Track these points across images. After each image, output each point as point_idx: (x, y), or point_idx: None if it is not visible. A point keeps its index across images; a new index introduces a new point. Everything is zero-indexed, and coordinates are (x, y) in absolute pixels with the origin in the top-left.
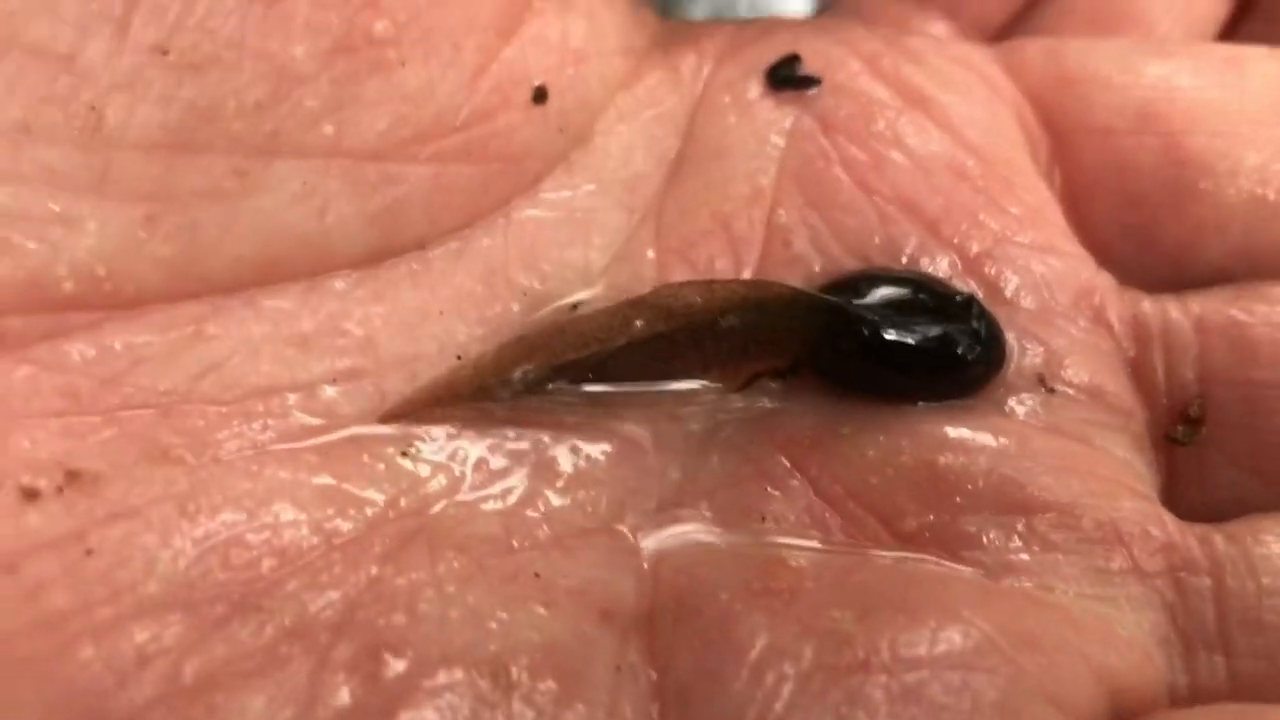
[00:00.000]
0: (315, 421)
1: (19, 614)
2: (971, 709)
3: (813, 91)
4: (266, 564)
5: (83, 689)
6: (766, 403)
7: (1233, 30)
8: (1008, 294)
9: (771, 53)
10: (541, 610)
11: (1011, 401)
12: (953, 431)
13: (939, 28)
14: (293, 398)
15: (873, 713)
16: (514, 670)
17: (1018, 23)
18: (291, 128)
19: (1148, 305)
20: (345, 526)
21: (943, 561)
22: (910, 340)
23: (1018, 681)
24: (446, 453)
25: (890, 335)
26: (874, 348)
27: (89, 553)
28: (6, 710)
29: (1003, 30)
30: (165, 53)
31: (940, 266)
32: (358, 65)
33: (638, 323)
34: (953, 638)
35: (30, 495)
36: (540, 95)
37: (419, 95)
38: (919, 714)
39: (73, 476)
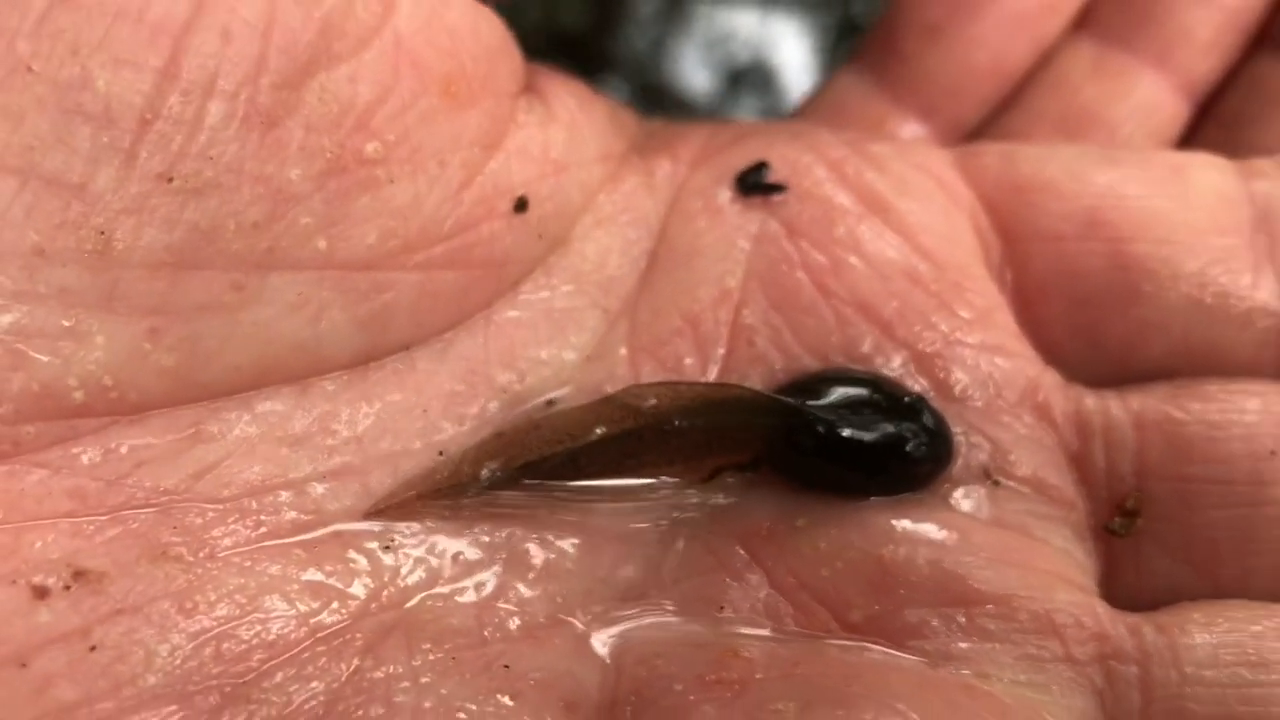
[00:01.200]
0: (305, 518)
1: (29, 707)
2: None
3: (779, 197)
4: (256, 657)
5: None
6: (722, 499)
7: (1192, 135)
8: (956, 392)
9: (742, 159)
10: (509, 702)
11: (958, 494)
12: (899, 525)
13: (912, 128)
14: (284, 495)
15: None
16: None
17: (990, 124)
18: (287, 244)
19: (1090, 401)
20: (329, 620)
21: (888, 650)
22: (862, 439)
23: None
24: (425, 547)
25: (843, 434)
26: (827, 446)
27: (93, 648)
28: None
29: (976, 130)
30: (170, 179)
31: (894, 366)
32: (349, 184)
33: (599, 429)
34: None
35: (40, 593)
36: (521, 205)
37: (407, 209)
38: None
39: (79, 575)
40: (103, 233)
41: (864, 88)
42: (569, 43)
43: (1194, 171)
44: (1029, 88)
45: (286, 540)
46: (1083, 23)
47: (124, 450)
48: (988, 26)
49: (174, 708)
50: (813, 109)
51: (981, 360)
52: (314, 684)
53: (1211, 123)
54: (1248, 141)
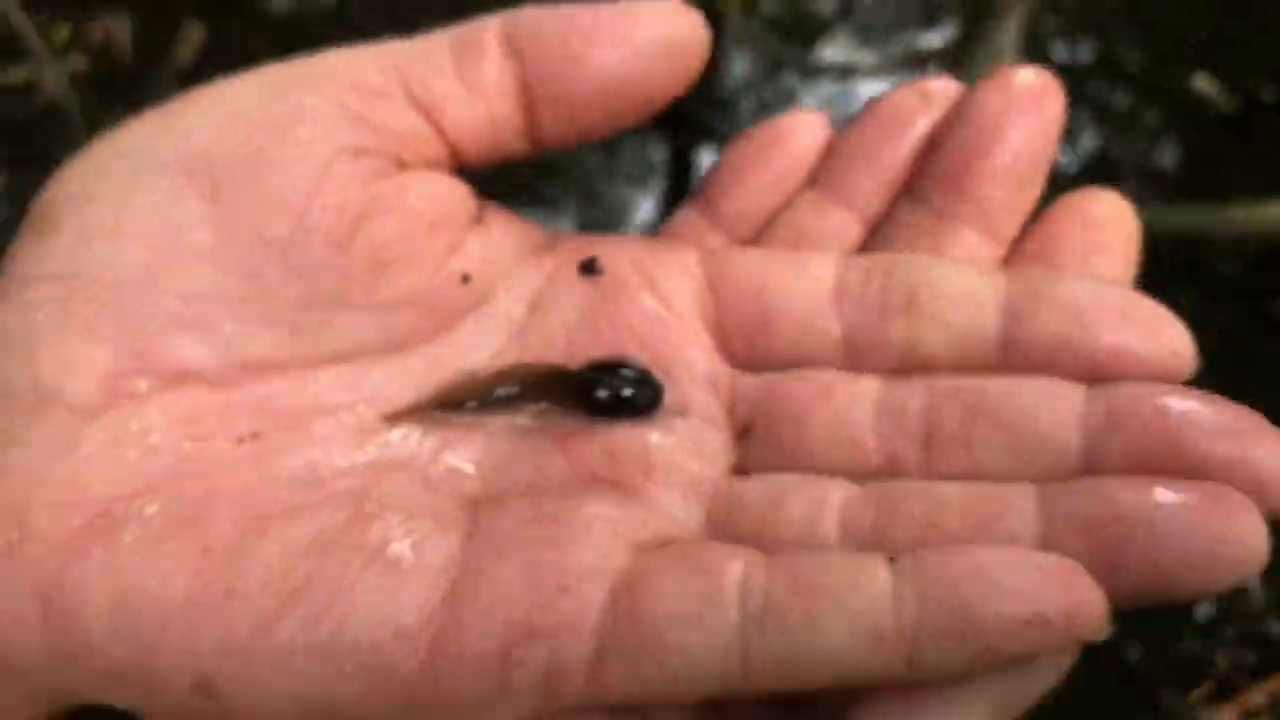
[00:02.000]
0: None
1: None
2: None
3: (599, 276)
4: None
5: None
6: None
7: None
8: (670, 371)
9: (591, 254)
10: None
11: (664, 420)
12: (627, 433)
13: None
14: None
15: None
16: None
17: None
18: (351, 299)
19: (736, 377)
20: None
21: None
22: (615, 389)
23: None
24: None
25: (604, 387)
26: (596, 393)
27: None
28: None
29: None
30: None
31: (640, 361)
32: (380, 274)
33: (515, 381)
34: None
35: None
36: (466, 279)
37: (411, 283)
38: None
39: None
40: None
41: (693, 217)
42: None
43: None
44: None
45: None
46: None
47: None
48: (776, 170)
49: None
50: (664, 231)
51: (688, 359)
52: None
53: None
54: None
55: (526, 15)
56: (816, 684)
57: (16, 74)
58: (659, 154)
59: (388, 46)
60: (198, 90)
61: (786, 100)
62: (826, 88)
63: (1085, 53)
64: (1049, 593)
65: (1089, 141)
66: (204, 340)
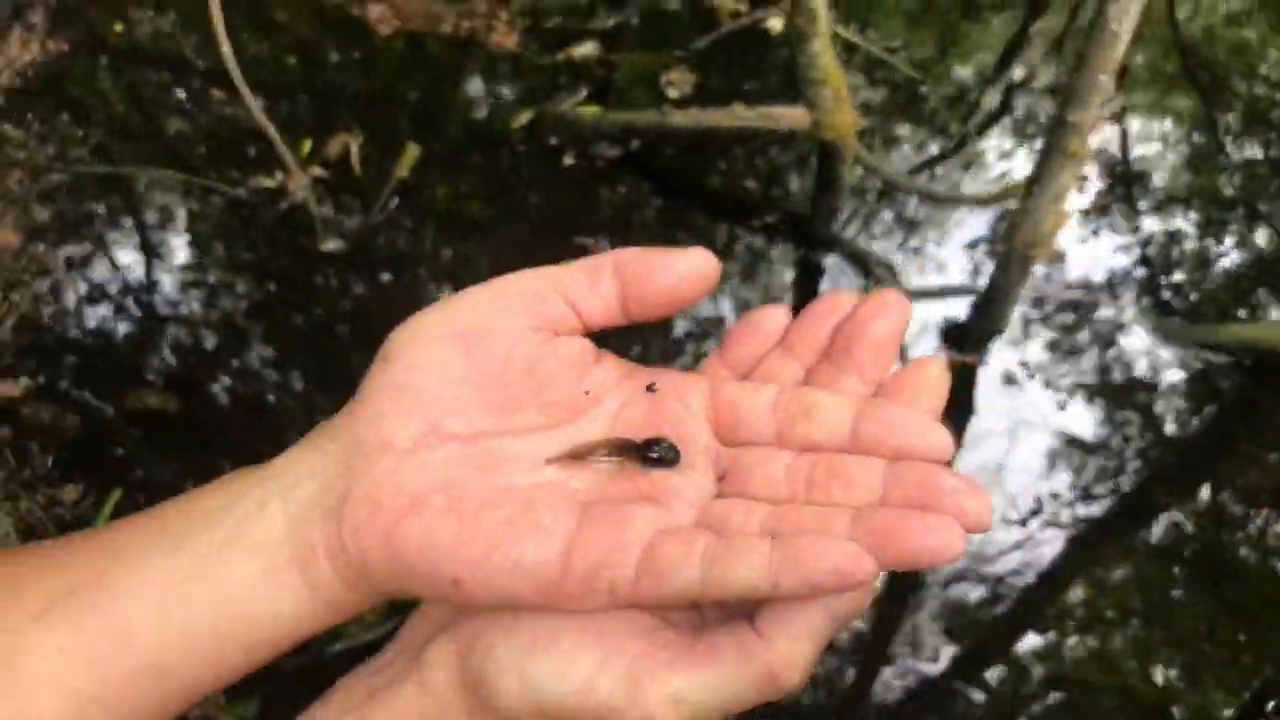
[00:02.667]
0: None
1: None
2: None
3: (655, 392)
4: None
5: None
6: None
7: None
8: (686, 445)
9: (651, 381)
10: None
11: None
12: (662, 475)
13: None
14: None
15: None
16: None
17: None
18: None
19: (719, 448)
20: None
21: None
22: (657, 453)
23: None
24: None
25: (651, 452)
26: (649, 454)
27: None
28: None
29: None
30: None
31: (670, 439)
32: None
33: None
34: None
35: None
36: (588, 393)
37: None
38: None
39: None
40: None
41: (714, 360)
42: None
43: None
44: None
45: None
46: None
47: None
48: (758, 338)
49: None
50: (701, 366)
51: (695, 437)
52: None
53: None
54: None
55: (626, 252)
56: (739, 598)
57: (270, 181)
58: (791, 256)
59: (553, 270)
60: (459, 294)
61: (897, 220)
62: (929, 211)
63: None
64: (846, 560)
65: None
66: (461, 420)
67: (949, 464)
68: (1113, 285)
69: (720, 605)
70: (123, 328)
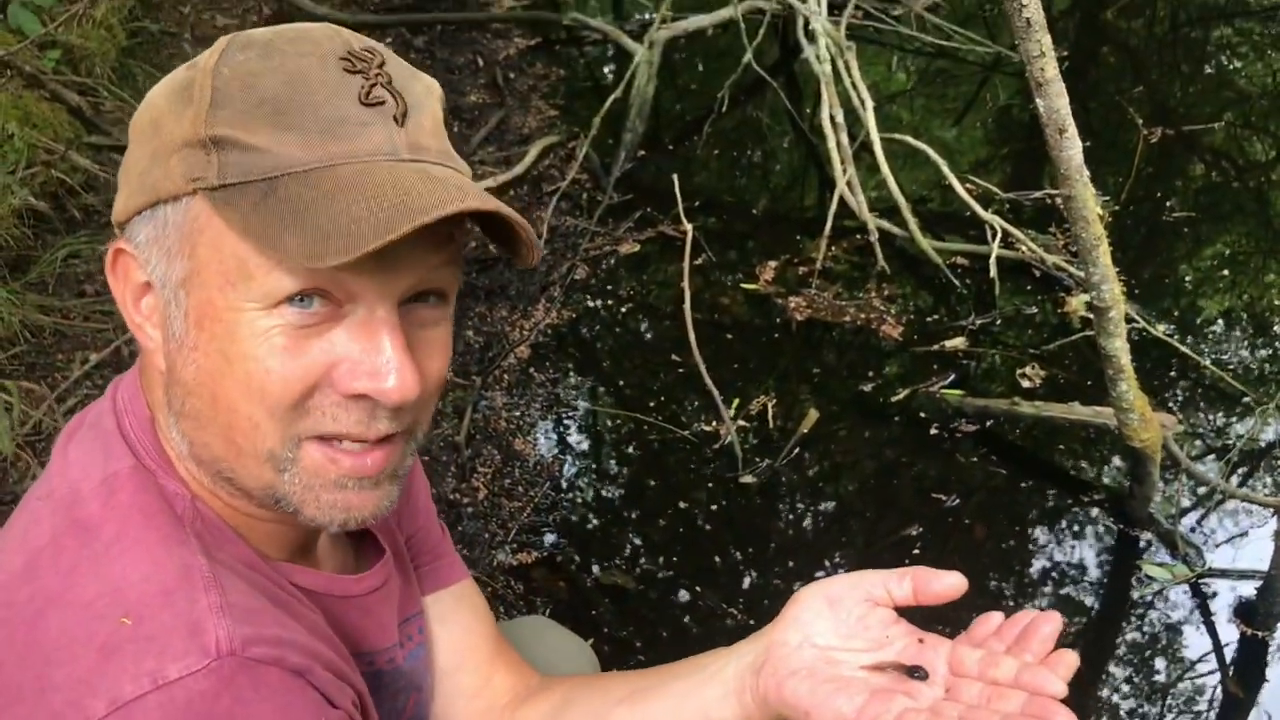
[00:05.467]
0: None
1: None
2: None
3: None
4: None
5: None
6: None
7: None
8: (930, 671)
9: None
10: None
11: None
12: None
13: None
14: None
15: None
16: None
17: None
18: None
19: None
20: None
21: None
22: None
23: None
24: None
25: None
26: (909, 671)
27: None
28: None
29: None
30: None
31: None
32: None
33: None
34: None
35: None
36: None
37: None
38: None
39: None
40: None
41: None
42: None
43: None
44: None
45: None
46: None
47: None
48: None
49: None
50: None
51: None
52: None
53: None
54: None
55: (919, 569)
56: None
57: (708, 426)
58: (1109, 530)
59: (882, 571)
60: (835, 577)
61: (1201, 504)
62: (1232, 501)
63: None
64: None
65: None
66: (822, 639)
67: (1066, 702)
68: None
69: None
70: (601, 522)
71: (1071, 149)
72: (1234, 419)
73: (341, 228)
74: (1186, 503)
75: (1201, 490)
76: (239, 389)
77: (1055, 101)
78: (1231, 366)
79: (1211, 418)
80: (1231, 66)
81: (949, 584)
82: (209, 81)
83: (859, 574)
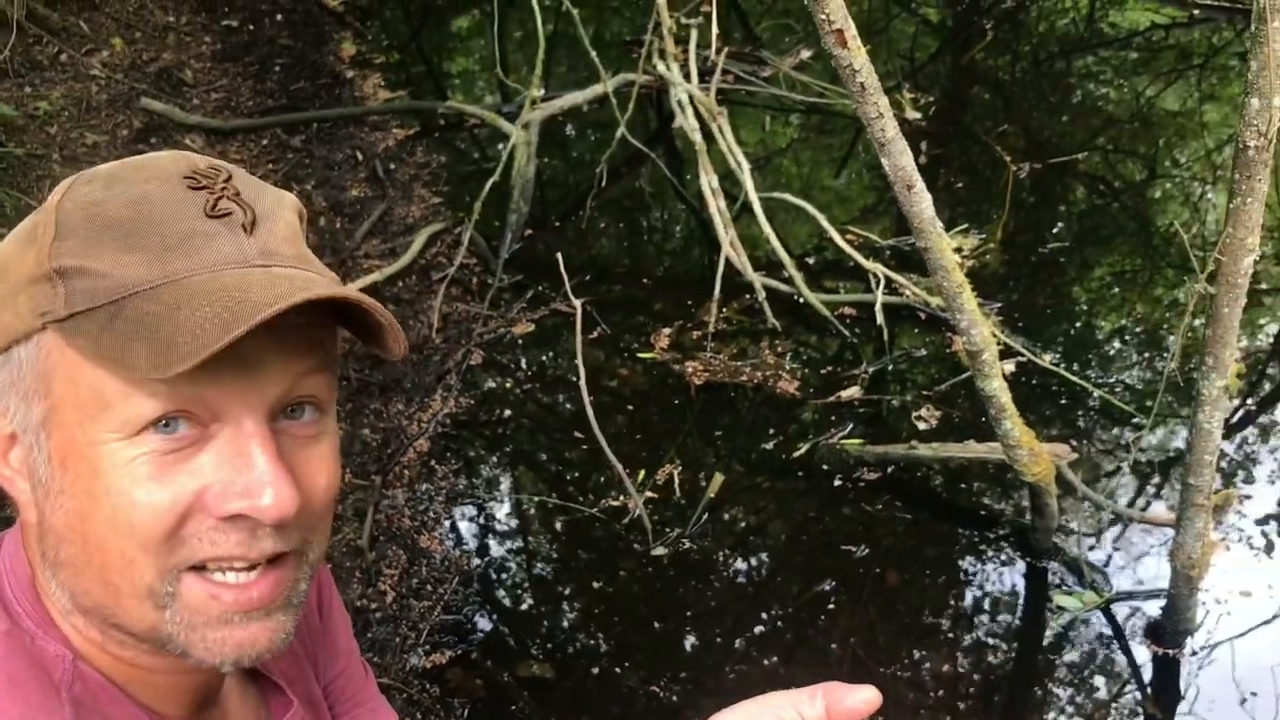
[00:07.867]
0: None
1: None
2: None
3: None
4: None
5: None
6: None
7: None
8: None
9: None
10: None
11: None
12: None
13: None
14: None
15: None
16: None
17: None
18: None
19: None
20: None
21: None
22: None
23: None
24: None
25: None
26: None
27: None
28: None
29: None
30: None
31: None
32: None
33: None
34: None
35: None
36: None
37: None
38: None
39: None
40: None
41: None
42: None
43: None
44: None
45: None
46: None
47: None
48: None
49: None
50: None
51: None
52: None
53: None
54: None
55: (831, 685)
56: None
57: (615, 501)
58: (1015, 563)
59: (791, 692)
60: (743, 703)
61: (1102, 530)
62: (1132, 526)
63: None
64: None
65: None
66: None
67: None
68: None
69: None
70: (515, 613)
71: (922, 203)
72: (1125, 440)
73: (186, 334)
74: (1089, 529)
75: (1104, 515)
76: (108, 526)
77: (900, 159)
78: (1119, 389)
79: (1105, 441)
80: (1099, 93)
81: (863, 698)
82: (53, 218)
83: (763, 699)
